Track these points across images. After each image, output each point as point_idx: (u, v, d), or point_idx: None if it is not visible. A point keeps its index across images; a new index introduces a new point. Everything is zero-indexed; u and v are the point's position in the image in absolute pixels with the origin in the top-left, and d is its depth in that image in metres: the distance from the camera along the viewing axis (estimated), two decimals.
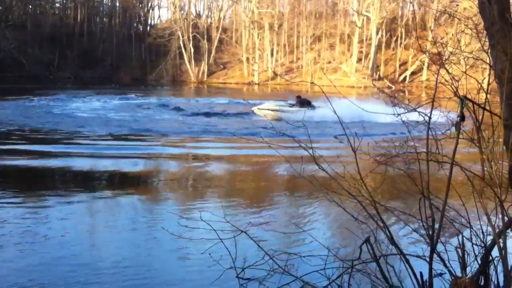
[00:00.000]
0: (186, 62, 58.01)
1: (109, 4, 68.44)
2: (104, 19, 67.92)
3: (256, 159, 11.87)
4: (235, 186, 9.48)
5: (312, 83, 5.53)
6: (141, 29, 67.67)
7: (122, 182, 9.51)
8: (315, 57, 57.76)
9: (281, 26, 60.20)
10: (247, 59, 59.16)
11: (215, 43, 60.23)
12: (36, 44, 54.44)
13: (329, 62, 57.00)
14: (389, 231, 3.82)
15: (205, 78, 58.20)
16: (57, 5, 67.77)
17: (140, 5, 67.58)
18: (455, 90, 3.84)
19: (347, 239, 5.70)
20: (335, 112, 4.19)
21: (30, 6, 61.69)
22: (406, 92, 43.51)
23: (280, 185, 9.39)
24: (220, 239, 4.05)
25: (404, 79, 54.42)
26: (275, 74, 55.89)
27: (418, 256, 3.93)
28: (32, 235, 5.94)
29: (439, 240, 3.79)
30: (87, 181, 9.46)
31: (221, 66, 61.22)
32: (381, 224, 3.87)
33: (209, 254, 4.42)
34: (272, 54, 58.53)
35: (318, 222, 6.99)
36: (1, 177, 9.56)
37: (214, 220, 4.45)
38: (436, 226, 3.77)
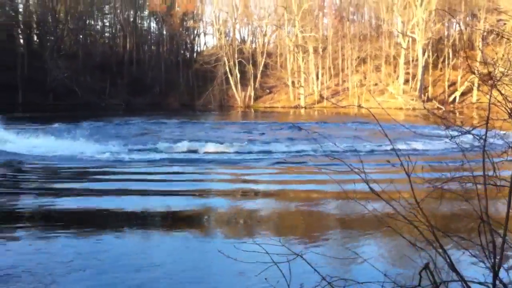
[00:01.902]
0: (233, 87, 58.78)
1: (157, 32, 70.43)
2: (152, 47, 69.93)
3: (306, 184, 11.82)
4: (287, 207, 9.46)
5: (359, 106, 5.52)
6: (188, 55, 69.19)
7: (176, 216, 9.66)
8: (361, 79, 57.43)
9: (325, 49, 60.29)
10: (293, 82, 59.40)
11: (261, 68, 60.85)
12: (88, 72, 56.44)
13: (376, 84, 56.52)
14: (449, 257, 3.74)
15: (252, 103, 58.73)
16: (107, 34, 70.35)
17: (187, 33, 69.20)
18: (509, 111, 3.75)
19: (405, 265, 5.59)
20: (386, 136, 4.16)
21: (81, 36, 64.14)
22: (457, 113, 42.60)
23: (333, 211, 9.29)
24: (274, 262, 4.04)
25: (454, 100, 53.29)
26: (322, 97, 55.87)
27: (480, 283, 3.81)
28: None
29: (501, 266, 3.67)
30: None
31: (267, 91, 61.67)
32: (440, 250, 3.79)
33: (265, 278, 4.41)
34: (317, 77, 58.58)
35: (374, 248, 6.87)
36: (57, 216, 9.70)
37: (269, 244, 4.44)
38: (498, 251, 3.66)
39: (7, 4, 59.40)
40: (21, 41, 59.78)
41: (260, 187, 11.57)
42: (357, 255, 5.88)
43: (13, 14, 60.28)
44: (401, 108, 48.76)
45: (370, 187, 4.03)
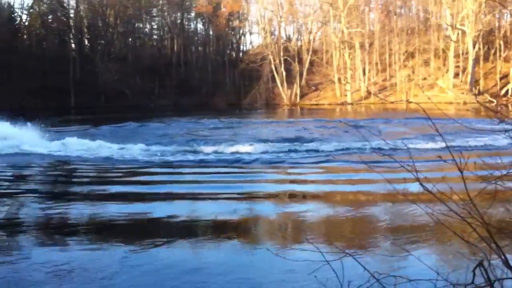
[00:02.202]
0: (279, 85, 58.83)
1: (203, 33, 71.32)
2: (199, 48, 70.95)
3: (355, 185, 11.69)
4: (336, 209, 9.39)
5: (408, 101, 5.43)
6: (234, 55, 69.79)
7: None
8: (409, 74, 56.33)
9: (372, 44, 59.48)
10: (339, 79, 58.88)
11: (306, 65, 60.65)
12: (137, 74, 57.75)
13: (425, 79, 55.32)
14: (504, 254, 3.66)
15: (298, 100, 58.63)
16: (155, 37, 71.83)
17: (232, 33, 69.78)
18: None
19: (457, 262, 5.49)
20: (437, 131, 4.09)
21: (130, 39, 65.72)
22: (510, 106, 41.17)
23: (383, 210, 9.16)
24: (327, 261, 4.05)
25: (506, 92, 51.52)
26: (369, 93, 55.14)
27: None
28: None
29: None
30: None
31: (313, 88, 61.41)
32: (494, 247, 3.71)
33: (315, 276, 4.44)
34: (364, 73, 57.82)
35: (425, 245, 6.74)
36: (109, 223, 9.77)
37: (318, 242, 4.46)
38: None
39: (59, 10, 61.50)
40: (73, 45, 61.81)
41: (307, 187, 11.48)
42: (408, 252, 5.80)
43: (65, 19, 62.36)
44: (451, 103, 47.55)
45: (421, 184, 3.98)
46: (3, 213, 8.83)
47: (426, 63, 57.42)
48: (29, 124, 20.47)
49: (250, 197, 10.16)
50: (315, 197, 10.26)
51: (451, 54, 53.42)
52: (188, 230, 7.83)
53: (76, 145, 18.08)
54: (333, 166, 14.20)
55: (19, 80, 49.79)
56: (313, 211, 8.79)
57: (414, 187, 4.12)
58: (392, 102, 48.21)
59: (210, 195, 10.47)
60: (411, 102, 4.61)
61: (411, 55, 58.00)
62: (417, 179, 3.99)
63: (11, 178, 13.34)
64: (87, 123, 30.13)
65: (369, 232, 7.56)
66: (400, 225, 7.91)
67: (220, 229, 7.84)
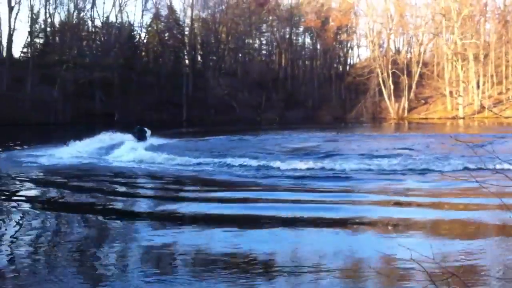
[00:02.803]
0: (386, 98, 57.77)
1: (311, 47, 71.94)
2: (306, 62, 71.74)
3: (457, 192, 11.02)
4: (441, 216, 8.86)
5: None
6: (340, 69, 69.67)
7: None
8: None
9: (487, 56, 56.58)
10: (450, 92, 56.61)
11: (416, 78, 59.03)
12: (246, 89, 59.60)
13: None
14: None
15: (406, 114, 57.19)
16: (264, 52, 73.69)
17: (340, 46, 69.72)
18: None
19: None
20: None
21: (240, 55, 67.97)
22: None
23: (492, 228, 8.33)
24: (433, 282, 3.66)
25: None
26: (483, 107, 52.48)
27: None
28: None
29: None
30: None
31: (422, 101, 59.59)
32: None
33: None
34: (478, 86, 55.13)
35: None
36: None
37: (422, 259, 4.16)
38: None
39: (175, 27, 65.26)
40: (187, 61, 65.10)
41: (415, 215, 10.22)
42: None
43: (180, 37, 66.00)
44: None
45: None
46: None
47: None
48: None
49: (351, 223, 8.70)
50: (420, 227, 9.23)
51: None
52: None
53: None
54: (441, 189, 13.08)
55: (138, 94, 53.53)
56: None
57: None
58: (507, 117, 45.44)
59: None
60: None
61: None
62: None
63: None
64: (195, 135, 31.47)
65: (476, 249, 6.81)
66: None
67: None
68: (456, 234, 7.69)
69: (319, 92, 61.91)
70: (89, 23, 61.30)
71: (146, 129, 24.97)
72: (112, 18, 61.46)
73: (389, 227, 8.07)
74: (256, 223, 8.61)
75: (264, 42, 74.09)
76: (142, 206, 10.49)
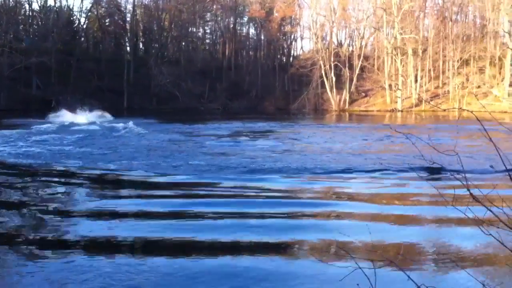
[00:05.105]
0: (328, 90, 58.38)
1: (255, 38, 71.83)
2: (250, 52, 71.53)
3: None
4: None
5: (461, 108, 5.32)
6: (284, 60, 69.90)
7: None
8: (463, 81, 54.89)
9: (425, 51, 58.30)
10: (390, 86, 57.98)
11: (357, 71, 59.97)
12: (189, 78, 58.61)
13: (479, 87, 53.81)
14: None
15: (347, 106, 58.07)
16: (207, 41, 72.92)
17: (284, 37, 69.88)
18: None
19: (504, 276, 5.31)
20: (491, 140, 4.03)
21: (183, 43, 66.86)
22: None
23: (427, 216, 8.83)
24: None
25: None
26: (420, 100, 54.08)
27: None
28: None
29: None
30: None
31: (363, 94, 60.71)
32: None
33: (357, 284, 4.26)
34: (416, 80, 56.72)
35: (475, 257, 6.48)
36: None
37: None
38: None
39: (116, 13, 63.36)
40: (128, 48, 63.41)
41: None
42: (456, 265, 5.63)
43: (121, 23, 64.16)
44: (506, 112, 46.06)
45: (470, 193, 3.94)
46: None
47: (481, 70, 55.83)
48: None
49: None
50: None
51: (507, 62, 51.77)
52: None
53: None
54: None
55: (77, 81, 51.68)
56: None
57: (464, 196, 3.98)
58: (444, 110, 46.85)
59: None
60: (464, 110, 4.48)
61: (466, 63, 56.46)
62: (466, 187, 3.95)
63: None
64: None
65: (409, 241, 7.19)
66: (446, 236, 7.58)
67: None
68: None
69: (263, 83, 61.75)
70: (27, 6, 58.75)
71: None
72: (51, 2, 59.17)
73: None
74: None
75: (208, 31, 73.32)
76: None
